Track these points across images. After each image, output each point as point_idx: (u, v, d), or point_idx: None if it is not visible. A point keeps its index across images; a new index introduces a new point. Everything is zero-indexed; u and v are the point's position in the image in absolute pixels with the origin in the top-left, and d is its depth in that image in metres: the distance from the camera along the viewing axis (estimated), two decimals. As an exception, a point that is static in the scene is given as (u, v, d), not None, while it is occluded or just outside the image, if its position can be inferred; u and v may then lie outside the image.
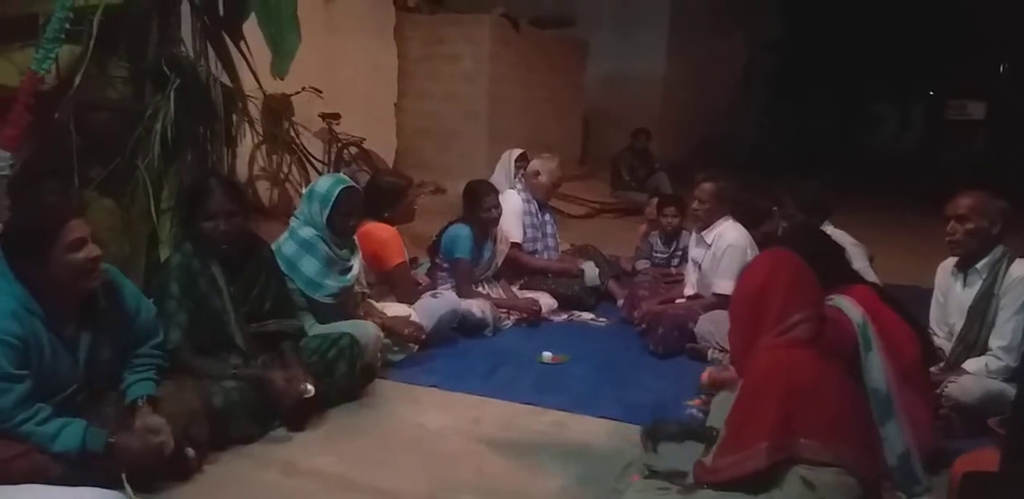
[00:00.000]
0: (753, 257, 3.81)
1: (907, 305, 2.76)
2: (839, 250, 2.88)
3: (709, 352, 3.64)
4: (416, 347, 3.61)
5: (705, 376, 3.04)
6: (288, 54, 3.47)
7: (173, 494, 2.30)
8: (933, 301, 3.24)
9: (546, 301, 4.39)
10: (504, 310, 4.20)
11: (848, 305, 2.47)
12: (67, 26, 2.78)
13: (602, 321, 4.39)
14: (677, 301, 4.09)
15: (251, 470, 2.51)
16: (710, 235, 3.92)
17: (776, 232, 4.07)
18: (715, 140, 11.16)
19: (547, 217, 4.88)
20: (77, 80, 2.90)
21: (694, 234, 4.10)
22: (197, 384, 2.56)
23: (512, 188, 4.83)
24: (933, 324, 3.19)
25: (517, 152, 5.54)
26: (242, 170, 5.15)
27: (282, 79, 3.56)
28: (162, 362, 2.51)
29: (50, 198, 2.90)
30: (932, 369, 2.84)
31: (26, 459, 2.05)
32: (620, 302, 4.48)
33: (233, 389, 2.63)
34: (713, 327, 3.62)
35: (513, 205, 4.57)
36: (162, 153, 3.13)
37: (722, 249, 3.82)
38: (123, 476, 2.16)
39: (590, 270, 4.69)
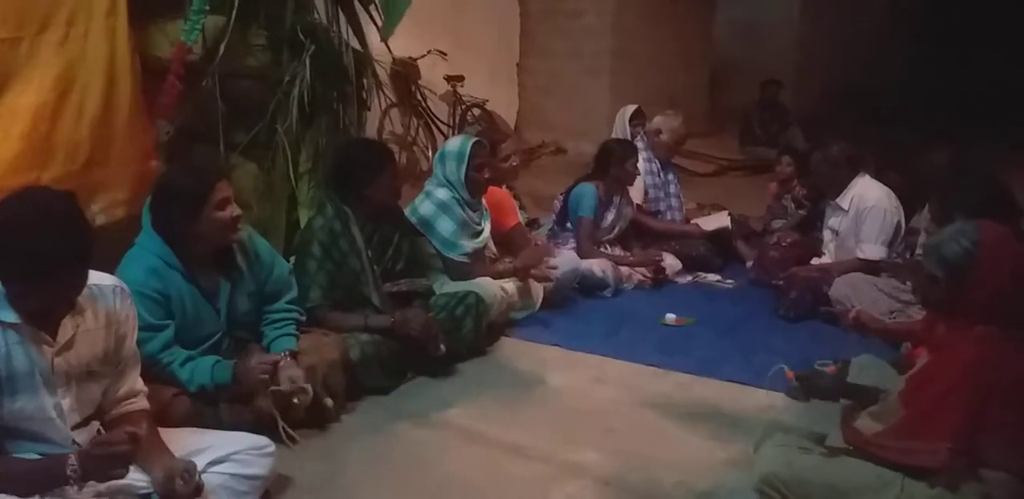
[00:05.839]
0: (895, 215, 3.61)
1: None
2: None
3: (844, 317, 3.47)
4: (539, 304, 3.65)
5: (854, 313, 2.70)
6: (397, 15, 3.50)
7: (314, 440, 2.46)
8: None
9: (670, 262, 4.29)
10: (626, 270, 4.14)
11: None
12: (211, -2, 2.92)
13: (729, 283, 4.26)
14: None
15: (385, 420, 2.65)
16: (846, 199, 3.71)
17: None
18: (857, 92, 10.39)
19: (670, 176, 4.75)
20: (221, 49, 3.04)
21: (830, 201, 3.88)
22: (335, 338, 2.71)
23: (630, 147, 4.71)
24: None
25: (631, 109, 5.20)
26: (372, 134, 5.31)
27: (385, 42, 3.62)
28: (298, 315, 2.65)
29: (200, 161, 3.09)
30: None
31: (180, 402, 2.25)
32: (749, 263, 4.34)
33: (369, 343, 2.77)
34: (850, 291, 3.44)
35: (633, 165, 4.47)
36: (299, 118, 3.25)
37: (863, 210, 3.62)
38: (277, 416, 2.34)
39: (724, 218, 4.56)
